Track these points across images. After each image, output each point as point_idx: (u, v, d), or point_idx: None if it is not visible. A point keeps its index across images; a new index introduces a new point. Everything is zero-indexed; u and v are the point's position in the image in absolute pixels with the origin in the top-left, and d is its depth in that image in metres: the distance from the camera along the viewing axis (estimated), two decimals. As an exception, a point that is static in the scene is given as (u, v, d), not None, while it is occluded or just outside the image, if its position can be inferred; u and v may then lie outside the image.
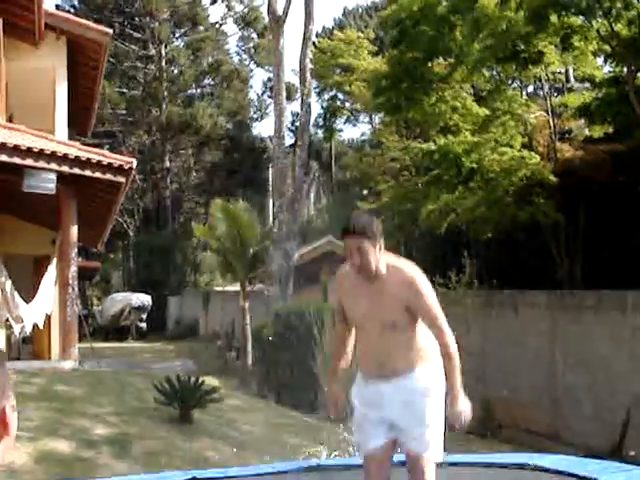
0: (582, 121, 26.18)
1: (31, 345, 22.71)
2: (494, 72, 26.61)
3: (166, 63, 56.19)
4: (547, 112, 26.61)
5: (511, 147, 25.41)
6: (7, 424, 2.06)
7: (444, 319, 5.05)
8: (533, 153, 25.39)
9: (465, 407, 5.12)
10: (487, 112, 26.90)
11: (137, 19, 56.62)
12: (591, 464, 6.79)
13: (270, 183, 45.90)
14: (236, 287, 32.06)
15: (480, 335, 18.56)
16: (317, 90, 48.43)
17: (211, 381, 14.52)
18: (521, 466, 6.88)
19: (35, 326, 18.22)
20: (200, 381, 13.68)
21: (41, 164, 15.80)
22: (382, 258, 4.97)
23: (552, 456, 7.31)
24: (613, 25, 18.90)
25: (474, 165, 25.05)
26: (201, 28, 58.50)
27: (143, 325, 43.26)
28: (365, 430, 5.13)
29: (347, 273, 5.12)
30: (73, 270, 16.96)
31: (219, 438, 12.66)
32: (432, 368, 5.10)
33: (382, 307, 4.91)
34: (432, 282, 15.83)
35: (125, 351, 31.26)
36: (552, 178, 24.04)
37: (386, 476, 5.16)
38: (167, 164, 56.11)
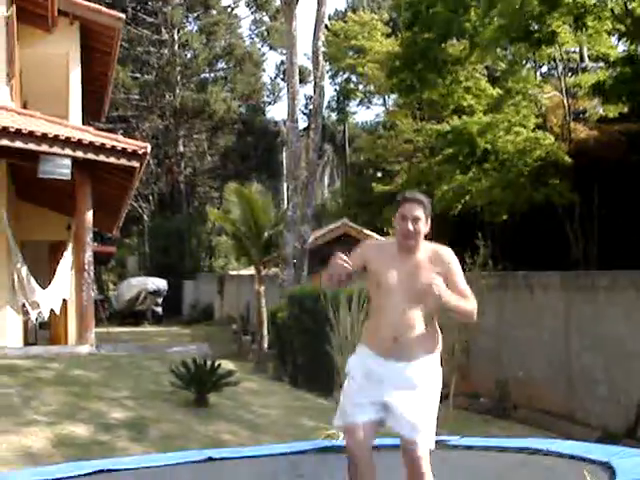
0: (596, 101, 26.08)
1: (48, 330, 22.83)
2: (508, 52, 26.53)
3: (179, 47, 56.15)
4: (561, 92, 26.55)
5: (525, 127, 25.36)
6: None
7: (469, 289, 5.25)
8: (547, 134, 25.34)
9: (443, 294, 4.91)
10: (501, 92, 26.85)
11: (150, 3, 56.59)
12: (605, 449, 6.80)
13: (284, 166, 45.93)
14: (251, 271, 32.14)
15: (495, 316, 18.56)
16: (330, 73, 48.45)
17: (227, 365, 14.55)
18: (536, 451, 6.89)
19: (52, 311, 18.31)
20: (216, 364, 13.73)
21: (56, 150, 15.85)
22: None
23: (567, 442, 7.32)
24: (627, 4, 18.82)
25: (488, 146, 25.03)
26: (213, 12, 58.41)
27: (159, 309, 43.34)
28: (357, 402, 5.15)
29: (383, 244, 5.51)
30: (89, 255, 17.02)
31: (235, 421, 12.71)
32: (437, 358, 5.23)
33: (416, 278, 5.06)
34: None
35: (141, 335, 31.36)
36: (567, 158, 24.01)
37: (368, 454, 5.18)
38: (181, 149, 56.14)
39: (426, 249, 5.21)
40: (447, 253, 5.26)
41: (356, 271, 5.22)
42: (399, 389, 5.05)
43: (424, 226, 5.18)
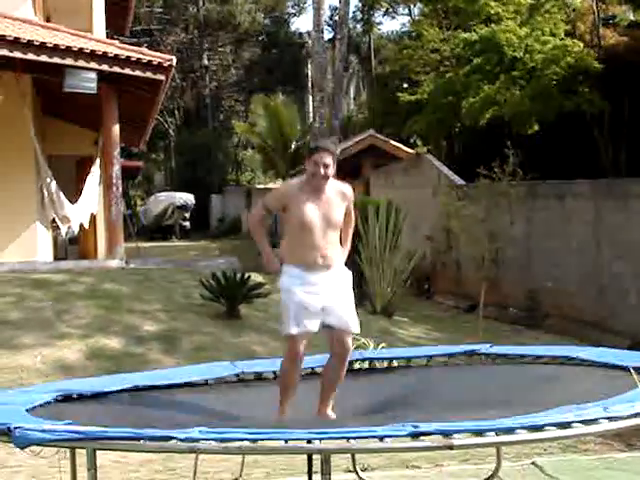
0: (626, 6, 25.62)
1: (77, 245, 22.96)
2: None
3: (202, -42, 55.45)
4: (591, -2, 26.06)
5: (554, 36, 24.98)
6: None
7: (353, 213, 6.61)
8: (576, 41, 24.96)
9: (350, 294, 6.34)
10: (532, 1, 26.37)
11: None
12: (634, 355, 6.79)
13: (309, 79, 45.62)
14: (278, 184, 32.11)
15: (524, 226, 18.49)
16: (355, -18, 47.74)
17: (256, 277, 14.61)
18: (566, 358, 6.89)
19: (81, 226, 18.39)
20: (246, 277, 13.79)
21: (81, 63, 15.76)
22: None
23: (595, 349, 7.31)
24: None
25: (517, 54, 24.70)
26: None
27: (186, 224, 43.44)
28: (303, 314, 6.08)
29: (294, 186, 6.39)
30: (116, 170, 17.02)
31: (266, 332, 12.80)
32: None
33: (331, 211, 6.23)
34: (476, 174, 15.61)
35: (170, 250, 31.52)
36: (596, 65, 23.69)
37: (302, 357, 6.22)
38: (205, 62, 55.73)
39: (333, 187, 6.31)
40: (348, 191, 6.42)
41: (276, 212, 6.70)
42: (331, 293, 6.16)
43: (332, 170, 6.21)
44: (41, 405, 5.65)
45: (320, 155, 6.21)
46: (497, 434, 4.32)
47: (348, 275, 6.37)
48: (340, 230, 6.41)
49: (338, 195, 6.31)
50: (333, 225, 6.24)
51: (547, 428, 4.36)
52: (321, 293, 6.14)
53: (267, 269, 6.54)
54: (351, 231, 6.65)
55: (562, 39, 24.97)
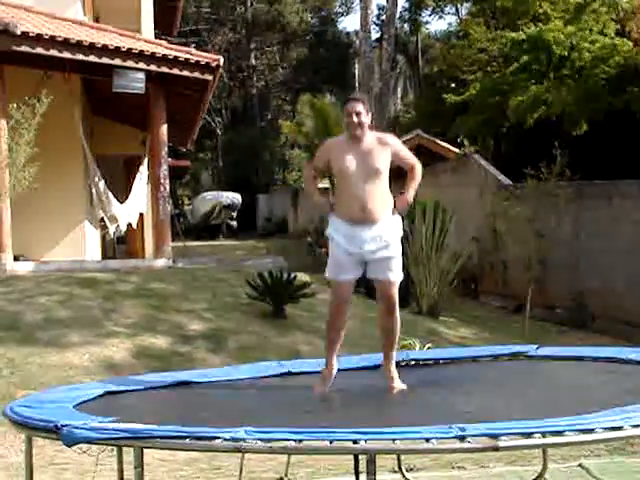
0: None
1: (125, 245, 23.13)
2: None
3: (250, -42, 55.57)
4: (641, -4, 25.80)
5: (604, 35, 24.75)
6: None
7: (413, 155, 6.74)
8: (626, 40, 24.72)
9: (409, 200, 6.59)
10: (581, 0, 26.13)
11: None
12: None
13: (356, 78, 45.54)
14: (324, 184, 32.09)
15: (572, 226, 18.35)
16: (403, -18, 47.62)
17: (302, 277, 14.63)
18: (616, 359, 6.84)
19: (129, 225, 18.52)
20: (292, 276, 13.81)
21: (129, 63, 15.88)
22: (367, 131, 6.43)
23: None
24: None
25: (565, 53, 24.51)
26: None
27: (233, 223, 43.58)
28: (344, 264, 6.34)
29: (336, 141, 6.64)
30: (164, 169, 17.12)
31: (311, 332, 12.81)
32: (394, 215, 6.46)
33: (370, 160, 6.30)
34: (523, 174, 15.54)
35: (217, 249, 31.61)
36: (646, 64, 23.45)
37: (347, 307, 6.52)
38: (253, 62, 55.87)
39: (372, 136, 6.43)
40: (389, 136, 6.65)
41: (323, 170, 6.83)
42: (374, 245, 6.28)
43: (365, 118, 6.34)
44: (88, 402, 5.69)
45: (351, 105, 6.38)
46: (544, 436, 4.30)
47: (396, 225, 6.45)
48: (389, 180, 6.44)
49: (378, 144, 6.39)
50: (374, 174, 6.30)
51: (595, 430, 4.33)
52: (362, 245, 6.28)
53: (321, 210, 6.97)
54: (415, 175, 6.64)
55: (612, 38, 24.75)
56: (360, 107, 6.34)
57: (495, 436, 4.22)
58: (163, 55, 16.26)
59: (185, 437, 4.39)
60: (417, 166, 6.65)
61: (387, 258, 6.36)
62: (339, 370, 6.52)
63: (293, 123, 34.03)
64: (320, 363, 6.65)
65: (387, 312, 6.47)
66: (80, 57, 15.69)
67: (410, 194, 6.55)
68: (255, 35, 55.65)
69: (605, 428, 4.34)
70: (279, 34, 55.71)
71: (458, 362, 7.49)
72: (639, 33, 26.11)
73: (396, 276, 6.43)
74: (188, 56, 16.42)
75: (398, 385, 6.32)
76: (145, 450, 4.60)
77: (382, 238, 6.32)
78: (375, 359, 6.97)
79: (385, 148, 6.39)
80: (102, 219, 18.10)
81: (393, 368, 6.46)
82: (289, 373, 6.99)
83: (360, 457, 5.14)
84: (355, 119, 6.30)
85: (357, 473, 5.58)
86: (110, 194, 17.66)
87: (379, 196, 6.35)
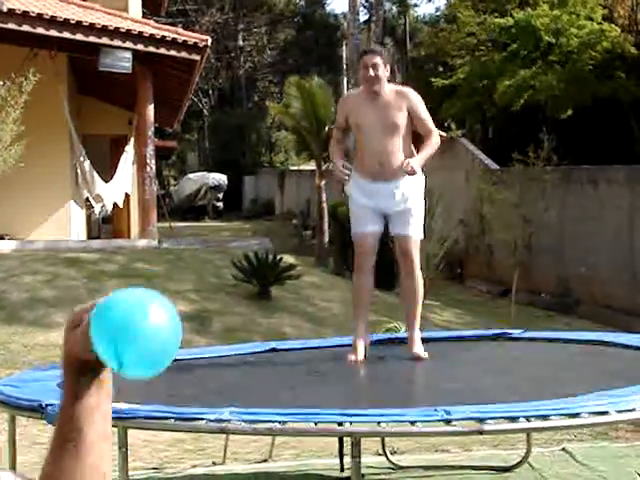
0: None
1: (111, 224, 23.06)
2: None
3: (238, -62, 55.30)
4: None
5: (591, 20, 24.75)
6: None
7: (432, 122, 6.42)
8: (613, 25, 24.73)
9: (416, 166, 6.13)
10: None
11: None
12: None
13: (344, 61, 45.44)
14: (311, 166, 32.03)
15: (558, 211, 18.37)
16: (391, -36, 47.49)
17: (288, 259, 14.62)
18: (601, 342, 6.85)
19: (115, 205, 18.46)
20: (278, 258, 13.80)
21: (116, 42, 15.81)
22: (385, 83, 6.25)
23: (630, 335, 7.26)
24: None
25: (552, 39, 24.50)
26: None
27: (219, 204, 43.50)
28: (364, 216, 6.32)
29: (353, 95, 6.71)
30: (150, 149, 17.07)
31: (297, 314, 12.82)
32: (419, 173, 6.30)
33: (388, 114, 6.15)
34: (510, 158, 15.56)
35: (202, 230, 31.59)
36: (633, 50, 23.47)
37: (373, 258, 6.43)
38: (240, 43, 55.66)
39: (391, 90, 6.26)
40: (409, 91, 6.39)
41: (346, 127, 6.57)
42: (392, 200, 6.23)
43: (383, 71, 6.15)
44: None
45: (367, 57, 6.21)
46: (529, 420, 4.29)
47: (417, 181, 6.33)
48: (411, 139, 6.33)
49: (397, 98, 6.23)
50: (392, 129, 6.17)
51: (581, 415, 4.32)
52: (381, 199, 6.24)
53: (337, 178, 6.73)
54: (429, 143, 6.34)
55: (600, 23, 24.75)
56: (377, 59, 6.16)
57: (480, 420, 4.21)
58: (150, 35, 16.19)
59: (169, 418, 4.37)
60: (434, 134, 6.38)
61: (406, 212, 6.27)
62: (325, 348, 6.51)
63: (280, 105, 33.97)
64: (305, 343, 6.64)
65: (406, 271, 6.41)
66: (67, 35, 15.62)
67: (418, 160, 6.19)
68: (243, 16, 55.43)
69: (591, 412, 4.33)
70: (267, 15, 55.51)
71: (444, 342, 7.48)
72: (626, 18, 26.12)
73: (415, 232, 6.33)
74: (175, 36, 16.36)
75: (420, 353, 6.25)
76: (129, 430, 4.58)
77: (401, 192, 6.23)
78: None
79: (404, 102, 6.22)
80: (87, 199, 18.05)
81: (416, 336, 6.36)
82: (274, 350, 6.95)
83: (346, 439, 5.14)
84: (372, 72, 6.12)
85: (342, 456, 5.58)
86: (95, 174, 17.59)
87: (398, 151, 6.21)
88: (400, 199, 6.23)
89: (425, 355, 6.23)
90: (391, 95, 6.22)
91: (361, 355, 6.23)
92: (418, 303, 6.45)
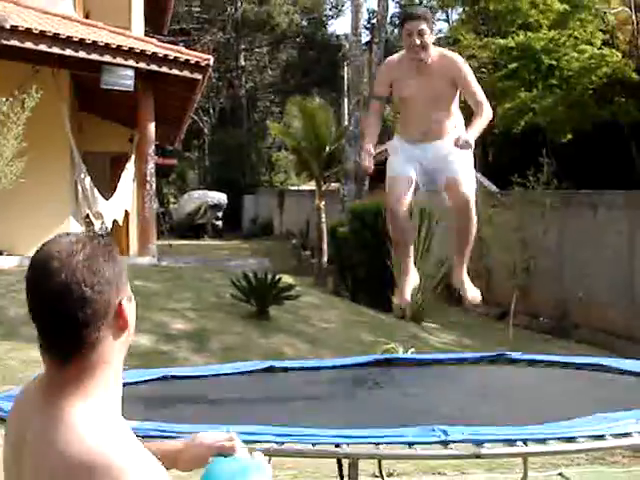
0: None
1: (110, 242, 23.01)
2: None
3: (241, -41, 55.54)
4: (630, 8, 25.90)
5: (591, 44, 24.86)
6: (125, 318, 2.07)
7: (482, 92, 5.82)
8: (614, 50, 24.83)
9: (470, 139, 5.54)
10: (567, 8, 26.26)
11: None
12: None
13: (345, 81, 45.53)
14: (311, 186, 32.09)
15: (557, 235, 18.37)
16: (394, -14, 47.68)
17: (287, 279, 14.63)
18: (598, 367, 6.83)
19: (114, 223, 18.47)
20: (276, 278, 13.80)
21: (119, 60, 15.86)
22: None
23: (627, 360, 7.25)
24: None
25: (553, 62, 24.60)
26: None
27: (219, 223, 43.55)
28: (404, 161, 5.86)
29: (397, 62, 5.95)
30: (150, 167, 17.10)
31: (295, 334, 12.81)
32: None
33: (432, 83, 5.68)
34: (510, 181, 15.59)
35: (201, 248, 31.59)
36: (634, 76, 23.55)
37: (407, 206, 5.90)
38: (242, 62, 55.82)
39: (437, 56, 5.75)
40: (457, 59, 5.85)
41: (387, 94, 6.08)
42: (440, 158, 5.76)
43: (430, 38, 5.67)
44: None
45: (412, 24, 5.67)
46: (526, 444, 4.29)
47: (465, 151, 5.70)
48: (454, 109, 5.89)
49: (444, 66, 5.74)
50: (438, 100, 5.74)
51: (577, 439, 4.31)
52: (424, 158, 5.83)
53: (362, 163, 5.99)
54: (481, 113, 5.73)
55: (600, 48, 24.85)
56: (424, 25, 5.63)
57: (477, 442, 4.20)
58: (153, 53, 16.25)
59: (165, 437, 4.36)
60: (485, 106, 5.75)
61: (451, 161, 5.75)
62: (323, 369, 6.48)
63: (281, 125, 34.07)
64: (303, 364, 6.63)
65: (458, 211, 5.92)
66: (69, 53, 15.67)
67: (472, 133, 5.60)
68: (245, 36, 55.61)
69: (588, 437, 4.32)
70: (269, 35, 55.69)
71: (442, 364, 7.47)
72: (627, 44, 26.22)
73: (466, 176, 5.82)
74: (178, 54, 16.42)
75: (471, 293, 6.13)
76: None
77: (447, 150, 5.72)
78: (361, 360, 6.92)
79: (451, 72, 5.72)
80: (87, 215, 18.06)
81: (465, 277, 6.11)
82: (272, 369, 6.93)
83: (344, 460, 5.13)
84: (418, 40, 5.62)
85: (342, 477, 5.56)
86: (96, 191, 17.62)
87: (442, 122, 5.79)
88: (444, 153, 5.74)
89: (477, 294, 6.15)
90: (438, 63, 5.73)
91: (408, 296, 6.30)
92: (469, 244, 6.10)
